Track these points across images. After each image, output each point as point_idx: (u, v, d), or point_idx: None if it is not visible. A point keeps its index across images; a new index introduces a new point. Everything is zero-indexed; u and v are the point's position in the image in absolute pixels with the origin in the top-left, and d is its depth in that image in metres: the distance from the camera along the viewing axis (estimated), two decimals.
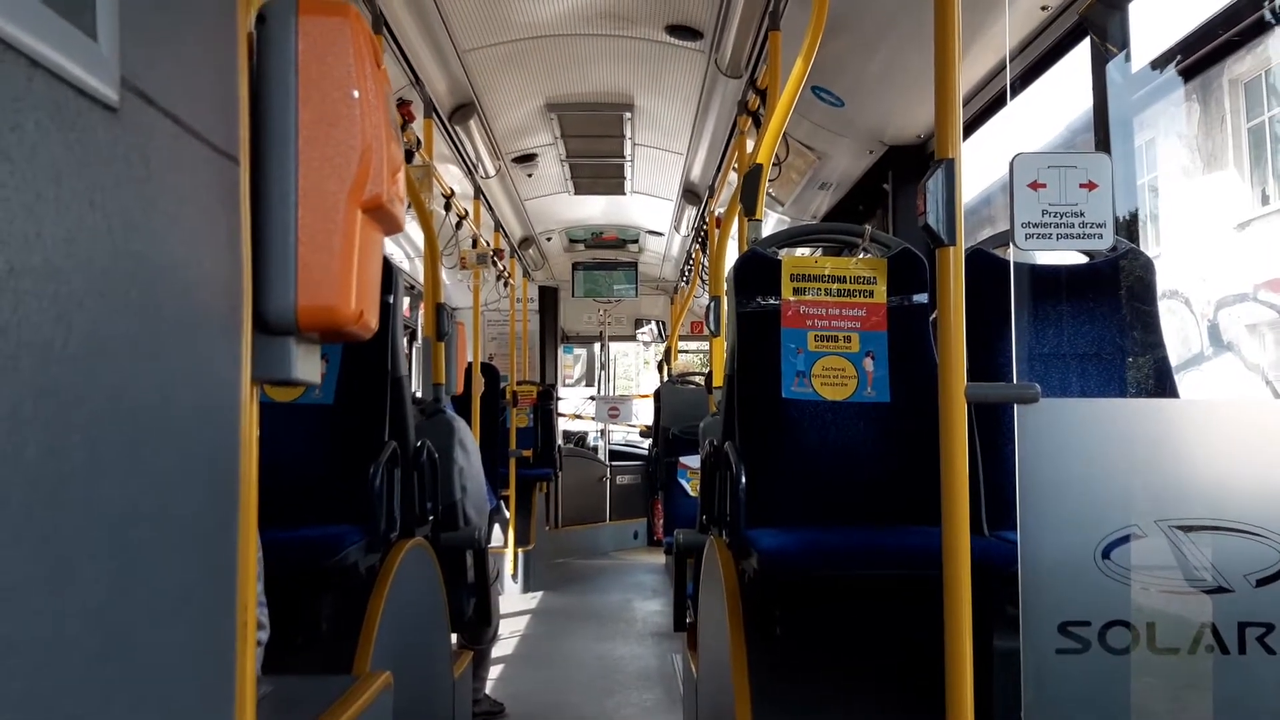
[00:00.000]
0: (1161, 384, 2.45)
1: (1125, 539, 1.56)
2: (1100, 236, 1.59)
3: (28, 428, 0.57)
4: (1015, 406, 1.55)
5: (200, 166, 0.81)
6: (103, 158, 0.66)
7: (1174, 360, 2.54)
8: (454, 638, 3.42)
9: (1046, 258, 2.62)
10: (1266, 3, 2.38)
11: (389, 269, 2.63)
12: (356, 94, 0.97)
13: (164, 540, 0.76)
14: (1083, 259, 2.59)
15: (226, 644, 0.90)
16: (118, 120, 0.67)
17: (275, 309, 0.93)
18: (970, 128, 3.70)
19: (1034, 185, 1.57)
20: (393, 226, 1.05)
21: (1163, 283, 2.57)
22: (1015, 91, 3.24)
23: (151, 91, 0.72)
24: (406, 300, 6.75)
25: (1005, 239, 2.51)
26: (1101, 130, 2.76)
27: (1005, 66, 3.40)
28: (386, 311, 2.62)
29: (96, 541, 0.65)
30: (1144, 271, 2.52)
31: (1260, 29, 2.47)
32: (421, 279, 5.48)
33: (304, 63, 0.94)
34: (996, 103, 3.62)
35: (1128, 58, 2.83)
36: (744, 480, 2.42)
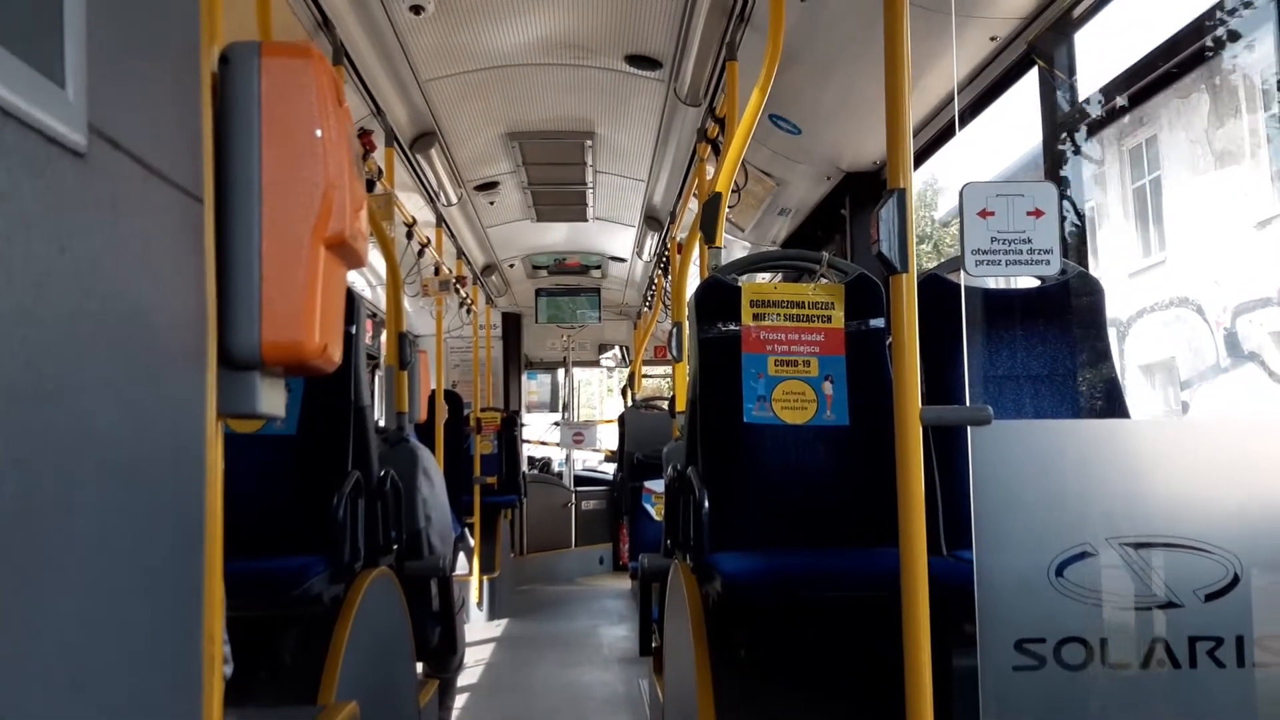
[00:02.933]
0: (1112, 404, 2.50)
1: (1078, 557, 1.59)
2: (1048, 262, 1.63)
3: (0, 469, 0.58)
4: (969, 429, 1.59)
5: (166, 207, 0.83)
6: (71, 203, 0.67)
7: (1186, 372, 2.58)
8: (419, 667, 3.41)
9: (998, 282, 2.67)
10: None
11: (351, 298, 2.63)
12: (319, 133, 0.99)
13: (132, 576, 0.77)
14: (1034, 282, 2.65)
15: (194, 677, 0.91)
16: (86, 165, 0.69)
17: (240, 344, 0.95)
18: (921, 156, 3.77)
19: (983, 213, 1.62)
20: (355, 261, 1.07)
21: (1171, 289, 2.61)
22: (965, 121, 3.31)
23: (118, 136, 0.74)
24: (370, 326, 6.73)
25: (956, 266, 2.57)
26: (1050, 160, 2.83)
27: (954, 98, 3.47)
28: (349, 341, 2.62)
29: (66, 579, 0.66)
30: (1093, 294, 2.58)
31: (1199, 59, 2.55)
32: (384, 306, 5.47)
33: (267, 103, 0.96)
34: (948, 132, 3.70)
35: (1074, 86, 2.90)
36: (707, 505, 2.45)
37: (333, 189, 0.99)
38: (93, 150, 0.70)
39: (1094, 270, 2.92)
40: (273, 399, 1.03)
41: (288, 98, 0.98)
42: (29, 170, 0.62)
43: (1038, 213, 1.63)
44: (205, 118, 0.91)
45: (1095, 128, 2.73)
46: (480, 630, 6.66)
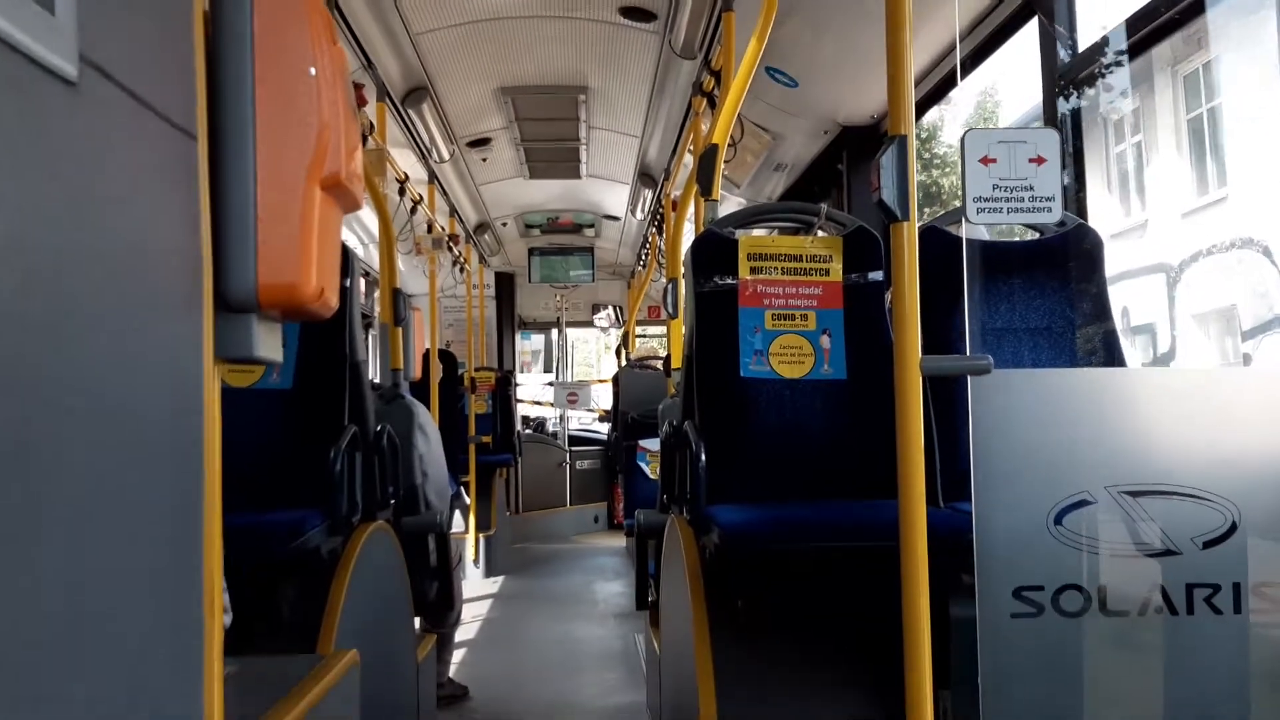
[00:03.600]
0: (1110, 355, 2.50)
1: (1077, 505, 1.60)
2: (1049, 210, 1.62)
3: None
4: (969, 378, 1.58)
5: (158, 142, 0.81)
6: (62, 131, 0.65)
7: (1249, 321, 2.50)
8: (417, 622, 3.42)
9: (999, 235, 2.66)
10: None
11: (345, 252, 2.62)
12: (314, 71, 0.97)
13: (128, 517, 0.76)
14: (1034, 235, 2.64)
15: (194, 622, 0.91)
16: (76, 94, 0.67)
17: (236, 287, 0.93)
18: (922, 107, 3.74)
19: (984, 160, 1.60)
20: (351, 204, 1.06)
21: (1232, 229, 2.50)
22: (965, 71, 3.28)
23: (109, 66, 0.72)
24: (363, 284, 6.70)
25: (957, 217, 2.55)
26: (1050, 107, 2.80)
27: (955, 46, 3.43)
28: (344, 295, 2.61)
29: (61, 515, 0.65)
30: (1092, 246, 2.57)
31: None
32: (377, 265, 5.44)
33: (260, 39, 0.94)
34: (948, 82, 3.66)
35: (1074, 36, 2.87)
36: (703, 458, 2.44)
37: (328, 128, 0.97)
38: (83, 79, 0.68)
39: (1139, 212, 2.86)
40: (270, 344, 1.01)
41: (281, 35, 0.96)
42: (16, 95, 0.60)
43: (1040, 160, 1.61)
44: (198, 53, 0.89)
45: (1138, 49, 2.63)
46: (477, 587, 6.69)
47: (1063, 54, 2.81)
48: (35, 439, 0.61)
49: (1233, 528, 1.61)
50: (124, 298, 0.75)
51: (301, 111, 0.96)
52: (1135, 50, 2.69)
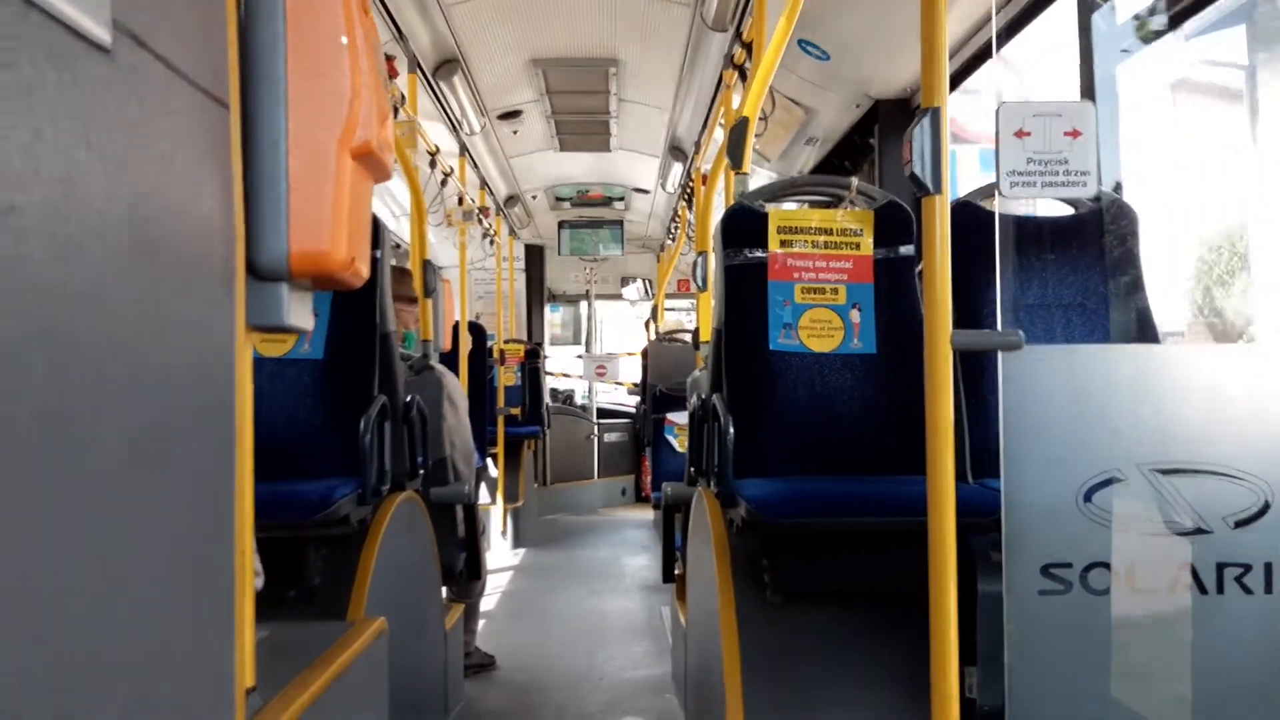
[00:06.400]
0: (1144, 332, 2.47)
1: (1107, 483, 1.58)
2: (1085, 184, 1.60)
3: (31, 364, 0.57)
4: (999, 354, 1.57)
5: (191, 111, 0.82)
6: (96, 98, 0.66)
7: None
8: (444, 591, 3.46)
9: (1031, 210, 2.63)
10: None
11: (375, 223, 2.63)
12: (345, 40, 0.97)
13: (163, 481, 0.77)
14: (1068, 210, 2.61)
15: (226, 586, 0.92)
16: (110, 61, 0.68)
17: (268, 255, 0.94)
18: (956, 80, 3.70)
19: (1019, 134, 1.58)
20: (381, 174, 1.06)
21: None
22: (1001, 42, 3.23)
23: (142, 33, 0.72)
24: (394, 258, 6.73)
25: (990, 192, 2.53)
26: (1087, 79, 2.76)
27: (991, 18, 3.39)
28: (374, 266, 2.62)
29: (98, 478, 0.66)
30: (1127, 221, 2.54)
31: None
32: (408, 238, 5.46)
33: (292, 8, 0.94)
34: (983, 54, 3.62)
35: (1113, 9, 2.82)
36: (731, 431, 2.44)
37: (359, 98, 0.98)
38: (117, 46, 0.68)
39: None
40: (301, 312, 1.02)
41: (313, 4, 0.96)
42: (54, 62, 0.61)
43: (1075, 133, 1.59)
44: (230, 21, 0.90)
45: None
46: (504, 558, 6.74)
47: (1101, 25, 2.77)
48: (71, 406, 0.62)
49: (1265, 507, 1.59)
50: (158, 264, 0.75)
51: (333, 81, 0.96)
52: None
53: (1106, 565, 1.57)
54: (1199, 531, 1.59)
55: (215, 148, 0.86)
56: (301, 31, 0.95)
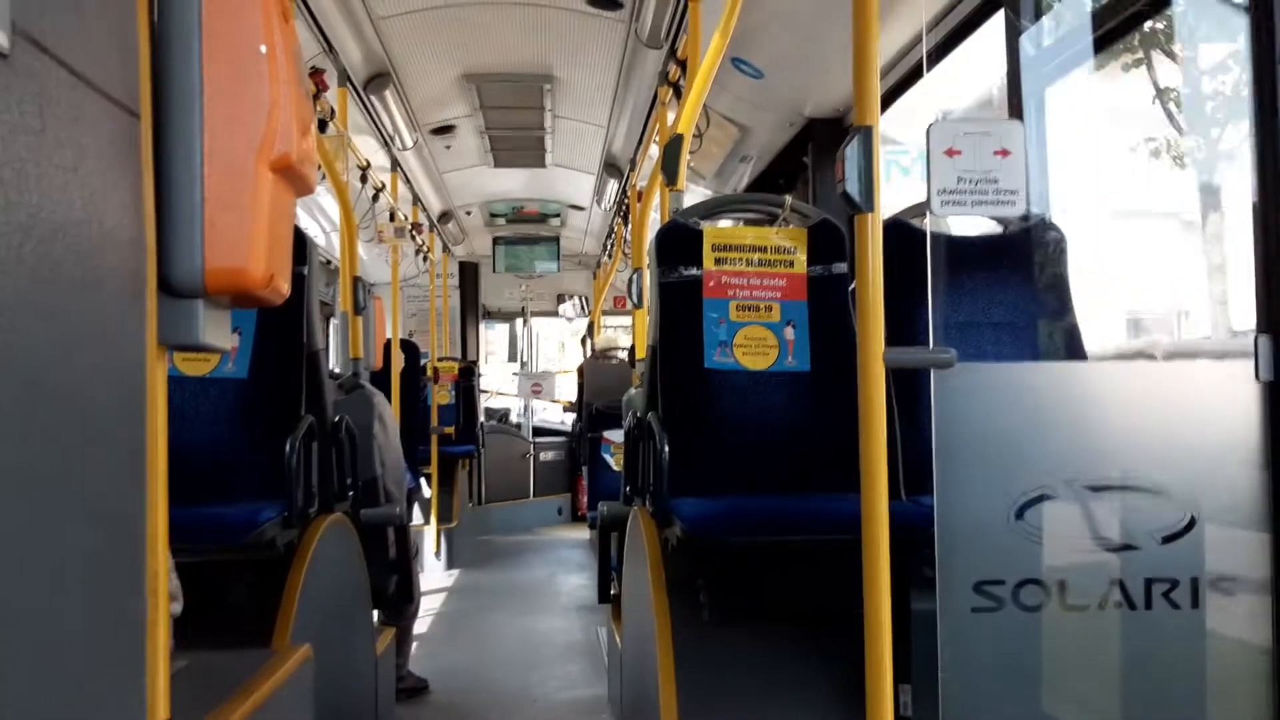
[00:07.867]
0: (1072, 350, 2.51)
1: (1038, 499, 1.60)
2: (1013, 203, 1.61)
3: None
4: (932, 371, 1.58)
5: (98, 120, 0.78)
6: None
7: None
8: (375, 615, 3.39)
9: (962, 229, 2.66)
10: None
11: (302, 239, 2.57)
12: (264, 49, 0.94)
13: (64, 505, 0.73)
14: (997, 229, 2.64)
15: (137, 615, 0.88)
16: (8, 66, 0.64)
17: (181, 271, 0.90)
18: (888, 99, 3.74)
19: (950, 152, 1.59)
20: (303, 188, 1.03)
21: None
22: (932, 63, 3.28)
23: (44, 38, 0.69)
24: (324, 277, 6.63)
25: (922, 210, 2.55)
26: (1015, 99, 2.81)
27: (922, 38, 3.44)
28: (300, 283, 2.56)
29: None
30: (1055, 240, 2.58)
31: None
32: (338, 254, 5.38)
33: (209, 16, 0.91)
34: (914, 74, 3.66)
35: (1040, 31, 2.88)
36: (667, 449, 2.43)
37: (278, 108, 0.94)
38: (16, 51, 0.65)
39: None
40: (217, 330, 0.98)
41: (230, 10, 0.93)
42: None
43: (1004, 152, 1.61)
44: (141, 27, 0.86)
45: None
46: (438, 579, 6.65)
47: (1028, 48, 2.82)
48: None
49: (1191, 523, 1.62)
50: (61, 278, 0.72)
51: (251, 91, 0.93)
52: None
53: (1038, 582, 1.58)
54: (1128, 547, 1.61)
55: (124, 158, 0.82)
56: (218, 39, 0.91)
